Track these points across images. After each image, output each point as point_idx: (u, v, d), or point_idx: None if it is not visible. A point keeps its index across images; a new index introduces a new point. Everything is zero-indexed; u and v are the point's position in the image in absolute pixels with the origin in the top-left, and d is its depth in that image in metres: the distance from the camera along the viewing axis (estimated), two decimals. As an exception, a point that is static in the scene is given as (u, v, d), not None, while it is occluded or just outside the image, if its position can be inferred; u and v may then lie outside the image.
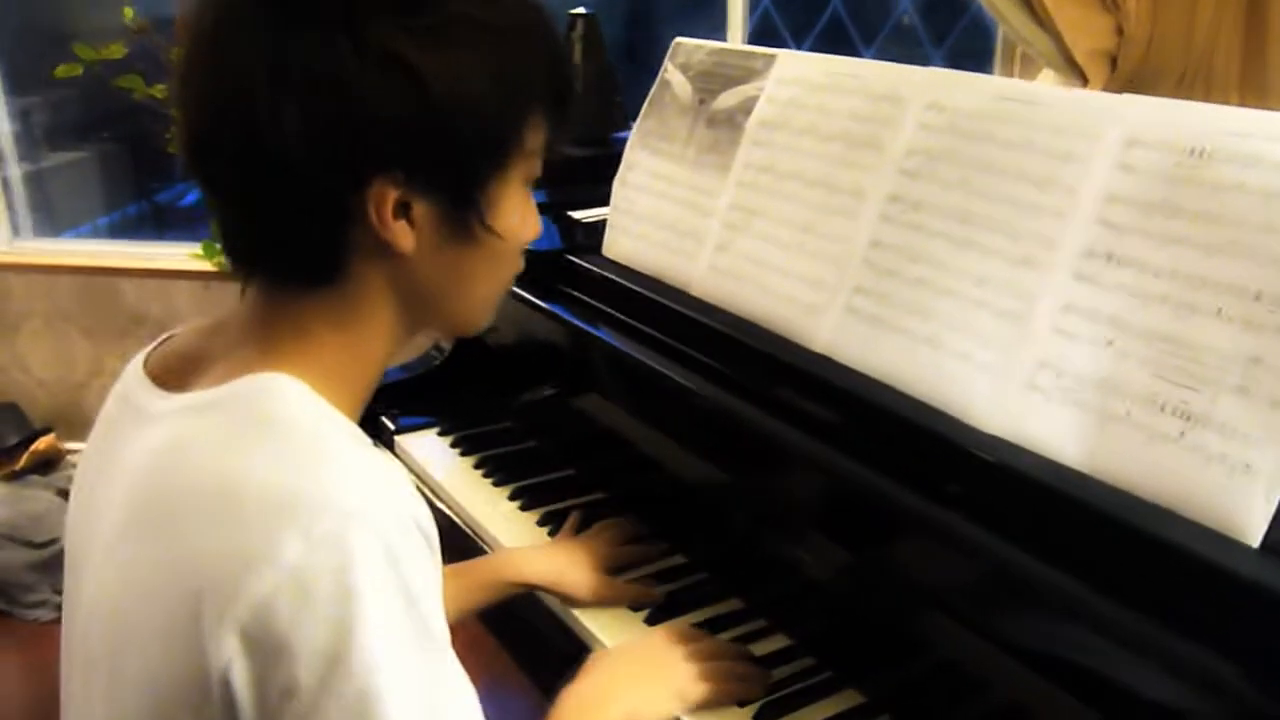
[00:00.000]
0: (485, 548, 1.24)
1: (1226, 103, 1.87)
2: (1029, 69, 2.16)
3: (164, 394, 0.72)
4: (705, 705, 0.95)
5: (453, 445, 1.41)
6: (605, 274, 1.31)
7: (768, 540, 1.05)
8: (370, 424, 1.46)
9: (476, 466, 1.37)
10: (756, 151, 1.20)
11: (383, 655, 0.60)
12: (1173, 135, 0.85)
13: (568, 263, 1.36)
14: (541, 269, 1.38)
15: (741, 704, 0.97)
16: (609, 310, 1.28)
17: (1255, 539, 0.75)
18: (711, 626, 1.06)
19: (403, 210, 0.67)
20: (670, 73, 1.36)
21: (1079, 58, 2.03)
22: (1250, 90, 2.08)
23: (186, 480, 0.65)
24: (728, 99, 1.26)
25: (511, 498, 1.30)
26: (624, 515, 1.24)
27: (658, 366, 1.16)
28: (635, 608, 1.10)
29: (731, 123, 1.25)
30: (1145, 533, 0.79)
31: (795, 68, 1.19)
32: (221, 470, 0.64)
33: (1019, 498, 0.86)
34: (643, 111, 1.38)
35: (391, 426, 1.44)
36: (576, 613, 1.11)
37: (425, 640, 0.63)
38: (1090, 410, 0.85)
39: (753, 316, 1.15)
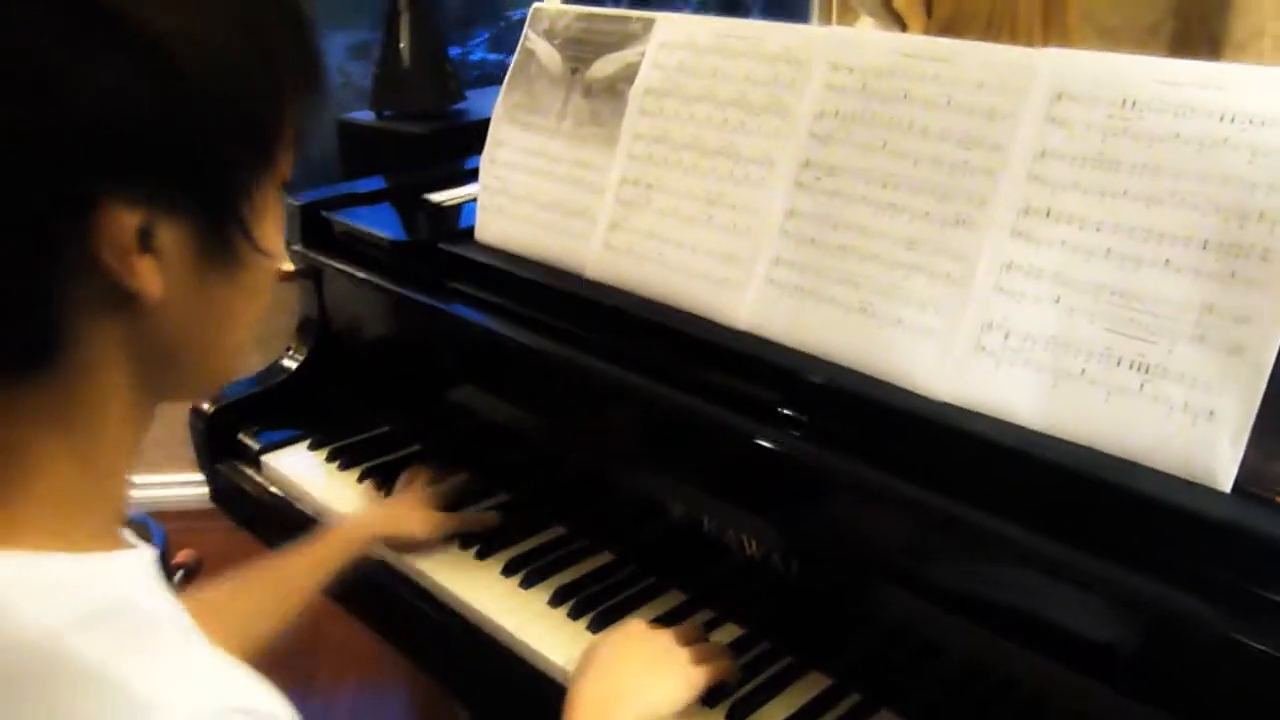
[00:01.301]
0: (391, 565, 1.15)
1: (1030, 44, 1.95)
2: (846, 17, 2.18)
3: None
4: (707, 687, 0.91)
5: (329, 459, 1.29)
6: (487, 261, 1.22)
7: (713, 530, 1.01)
8: (230, 445, 1.33)
9: (361, 479, 1.26)
10: (645, 121, 1.14)
11: None
12: (1101, 87, 0.85)
13: (440, 252, 1.26)
14: (408, 259, 1.28)
15: (713, 700, 0.93)
16: (496, 300, 1.19)
17: (1226, 484, 0.76)
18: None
19: (143, 241, 0.48)
20: (533, 41, 1.27)
21: (897, 4, 2.07)
22: (1053, 32, 2.17)
23: None
24: (604, 67, 1.19)
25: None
26: (542, 517, 1.18)
27: (570, 357, 1.09)
28: (470, 538, 1.15)
29: (612, 91, 1.18)
30: (1117, 486, 0.79)
31: (678, 31, 1.13)
32: None
33: (979, 464, 0.85)
34: (506, 83, 1.29)
35: (255, 446, 1.31)
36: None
37: None
38: (1043, 369, 0.85)
39: (660, 296, 1.09)
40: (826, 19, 2.27)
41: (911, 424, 0.89)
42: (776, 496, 0.96)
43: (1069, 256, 0.85)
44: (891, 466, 0.88)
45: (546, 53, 1.26)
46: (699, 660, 0.91)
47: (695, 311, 1.06)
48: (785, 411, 0.95)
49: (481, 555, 1.13)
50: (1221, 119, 0.79)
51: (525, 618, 1.04)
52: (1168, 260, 0.80)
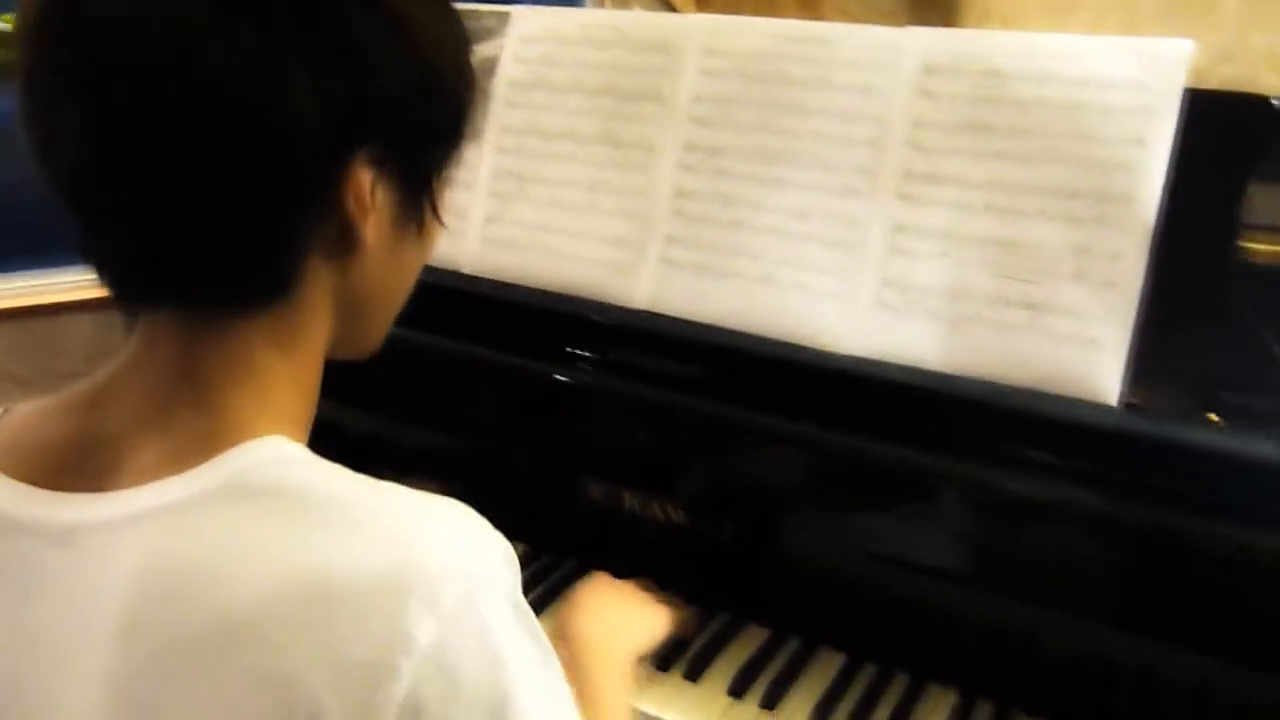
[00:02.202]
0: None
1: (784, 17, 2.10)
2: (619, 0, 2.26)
3: (80, 497, 0.56)
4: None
5: None
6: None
7: (643, 512, 1.04)
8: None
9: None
10: (513, 114, 1.15)
11: (538, 713, 0.53)
12: (966, 61, 0.95)
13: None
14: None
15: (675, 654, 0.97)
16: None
17: (1114, 399, 0.88)
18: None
19: (371, 195, 0.57)
20: (373, 39, 1.25)
21: (669, -7, 2.17)
22: (805, 6, 2.34)
23: (237, 596, 0.51)
24: (458, 62, 1.19)
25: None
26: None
27: (460, 352, 1.09)
28: None
29: (470, 87, 1.18)
30: (1021, 411, 0.89)
31: (538, 23, 1.15)
32: (285, 574, 0.51)
33: (895, 407, 0.94)
34: (348, 84, 1.26)
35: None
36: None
37: (558, 678, 0.57)
38: (941, 317, 0.94)
39: (548, 284, 1.11)
40: (600, 3, 2.34)
41: (824, 377, 0.96)
42: (704, 464, 1.01)
43: (954, 214, 0.94)
44: (812, 419, 0.95)
45: (392, 50, 1.24)
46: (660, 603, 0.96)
47: (588, 296, 1.09)
48: (696, 380, 1.00)
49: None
50: (1077, 84, 0.91)
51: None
52: (1043, 210, 0.91)
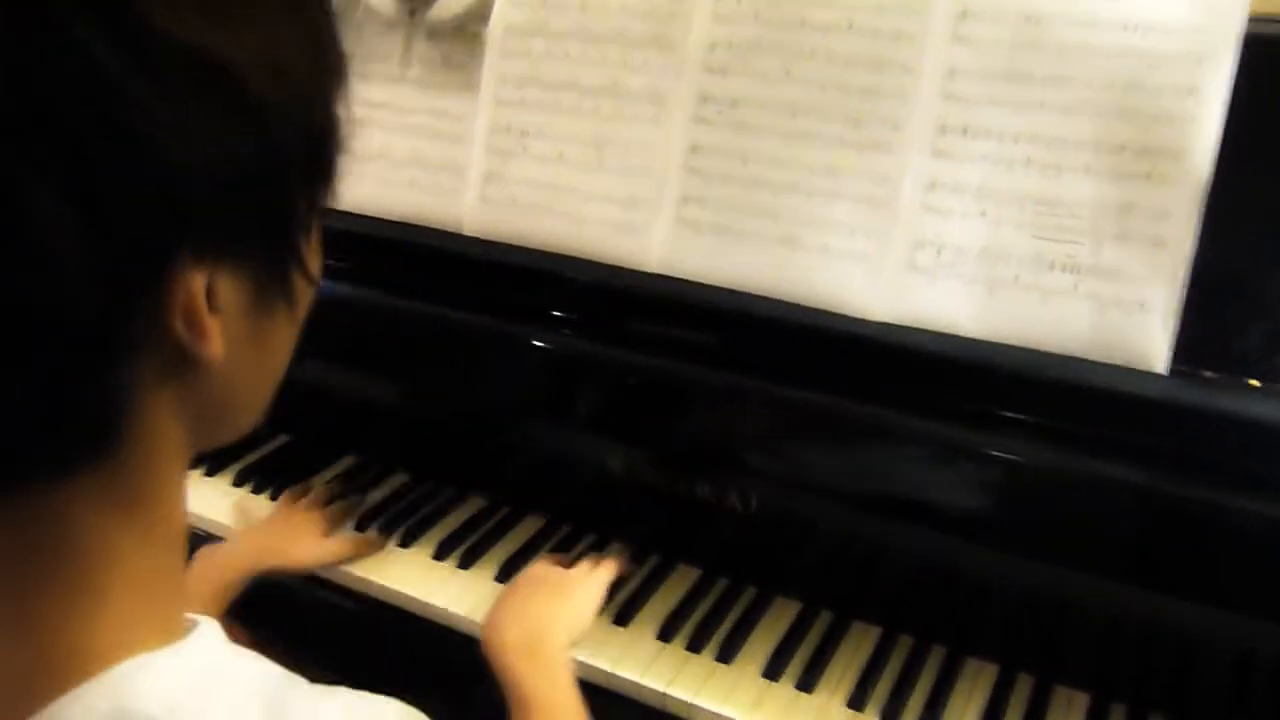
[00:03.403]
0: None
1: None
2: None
3: None
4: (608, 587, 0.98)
5: (235, 484, 1.17)
6: (348, 228, 1.12)
7: (671, 486, 1.00)
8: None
9: (237, 483, 1.15)
10: (511, 63, 1.07)
11: None
12: (1003, 4, 0.88)
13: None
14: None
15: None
16: (361, 269, 1.10)
17: (1163, 366, 0.84)
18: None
19: (208, 300, 0.42)
20: (355, -18, 1.16)
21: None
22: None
23: None
24: (449, 6, 1.11)
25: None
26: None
27: (463, 321, 1.04)
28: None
29: (462, 33, 1.10)
30: (1068, 381, 0.85)
31: (533, -36, 1.07)
32: None
33: (931, 378, 0.89)
34: (329, 31, 1.17)
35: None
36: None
37: None
38: (978, 280, 0.89)
39: (553, 246, 1.05)
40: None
41: (854, 345, 0.91)
42: (725, 436, 0.96)
43: (991, 170, 0.89)
44: (840, 389, 0.91)
45: (375, -6, 1.15)
46: (588, 572, 0.97)
47: (597, 258, 1.03)
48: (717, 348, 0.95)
49: (405, 543, 1.07)
50: (1124, 28, 0.84)
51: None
52: (1086, 165, 0.86)
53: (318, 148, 0.46)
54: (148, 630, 0.44)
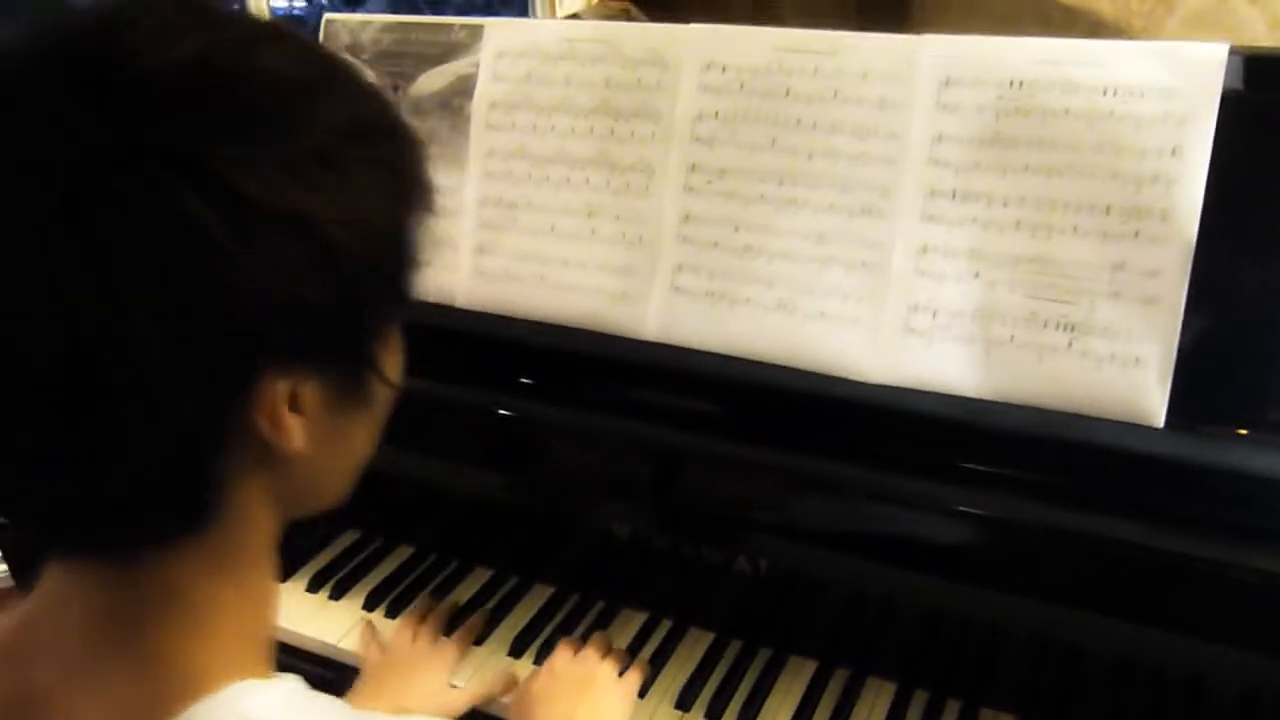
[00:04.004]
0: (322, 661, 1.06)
1: (736, 15, 2.02)
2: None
3: None
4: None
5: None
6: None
7: (669, 551, 1.01)
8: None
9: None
10: (496, 136, 1.08)
11: None
12: (986, 70, 0.90)
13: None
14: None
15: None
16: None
17: (1159, 420, 0.86)
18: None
19: (291, 403, 0.49)
20: (334, 58, 1.16)
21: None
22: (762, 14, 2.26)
23: None
24: (431, 81, 1.12)
25: (310, 589, 1.12)
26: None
27: (468, 398, 1.04)
28: None
29: (447, 108, 1.11)
30: (1063, 438, 0.87)
31: (517, 37, 1.08)
32: None
33: (933, 438, 0.91)
34: (311, 107, 1.17)
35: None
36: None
37: None
38: (974, 341, 0.91)
39: (548, 318, 1.06)
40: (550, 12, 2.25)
41: (851, 409, 0.93)
42: (729, 502, 0.97)
43: (982, 233, 0.90)
44: (840, 452, 0.92)
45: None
46: (619, 665, 0.96)
47: (594, 328, 1.03)
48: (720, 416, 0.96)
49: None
50: (1104, 93, 0.86)
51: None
52: (1075, 226, 0.88)
53: (392, 277, 0.52)
54: (246, 669, 0.52)
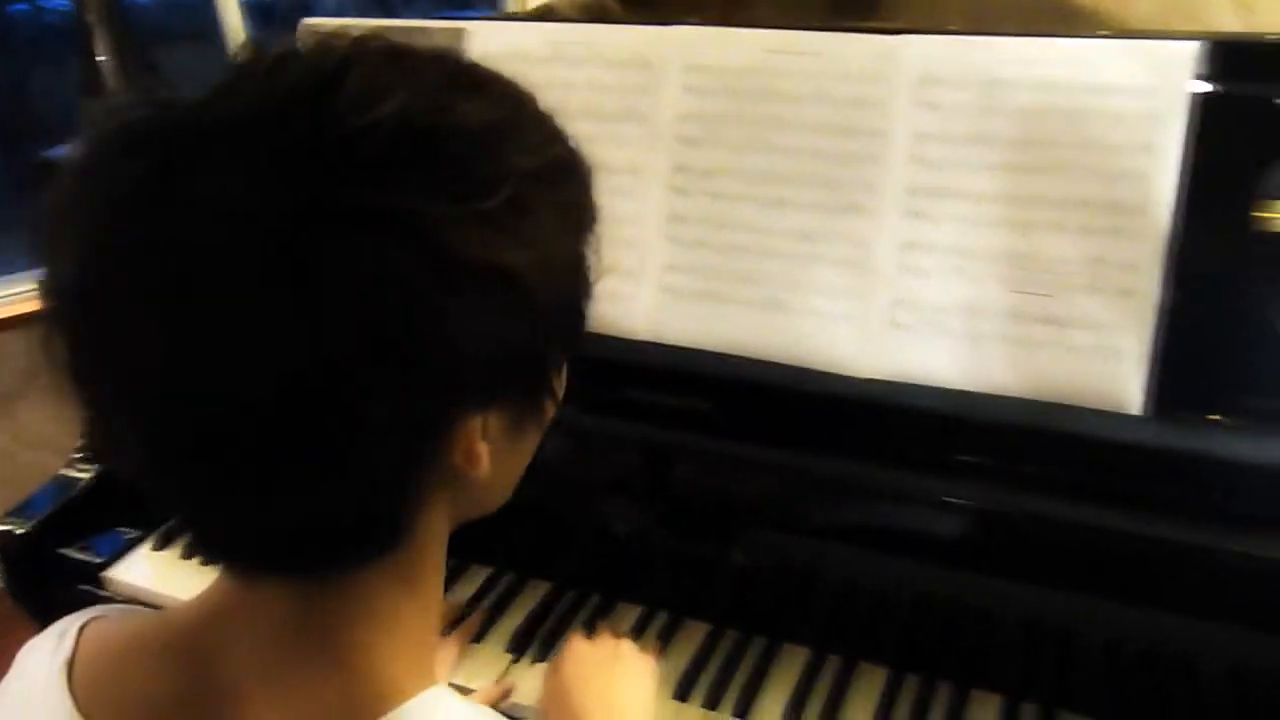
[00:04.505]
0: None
1: (709, 13, 2.02)
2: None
3: None
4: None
5: (185, 556, 1.17)
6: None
7: (685, 550, 1.03)
8: (52, 567, 1.17)
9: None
10: (482, 140, 1.09)
11: None
12: (965, 70, 0.92)
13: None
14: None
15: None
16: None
17: (1138, 408, 0.88)
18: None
19: (481, 431, 0.53)
20: (316, 62, 1.17)
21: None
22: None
23: None
24: (415, 85, 1.12)
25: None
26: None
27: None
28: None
29: (432, 111, 1.11)
30: (1046, 428, 0.89)
31: (499, 39, 1.09)
32: None
33: (921, 430, 0.93)
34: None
35: (95, 560, 1.16)
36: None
37: None
38: (959, 335, 0.93)
39: (539, 317, 1.07)
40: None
41: (842, 402, 0.95)
42: (725, 495, 1.00)
43: (964, 229, 0.92)
44: (830, 447, 0.94)
45: (339, 74, 1.16)
46: (642, 648, 0.95)
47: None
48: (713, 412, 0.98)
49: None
50: (1081, 91, 0.89)
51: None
52: (1054, 222, 0.90)
53: (574, 310, 0.56)
54: (426, 677, 0.55)
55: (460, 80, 0.52)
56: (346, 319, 0.44)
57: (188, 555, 1.17)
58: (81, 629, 0.57)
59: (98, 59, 1.48)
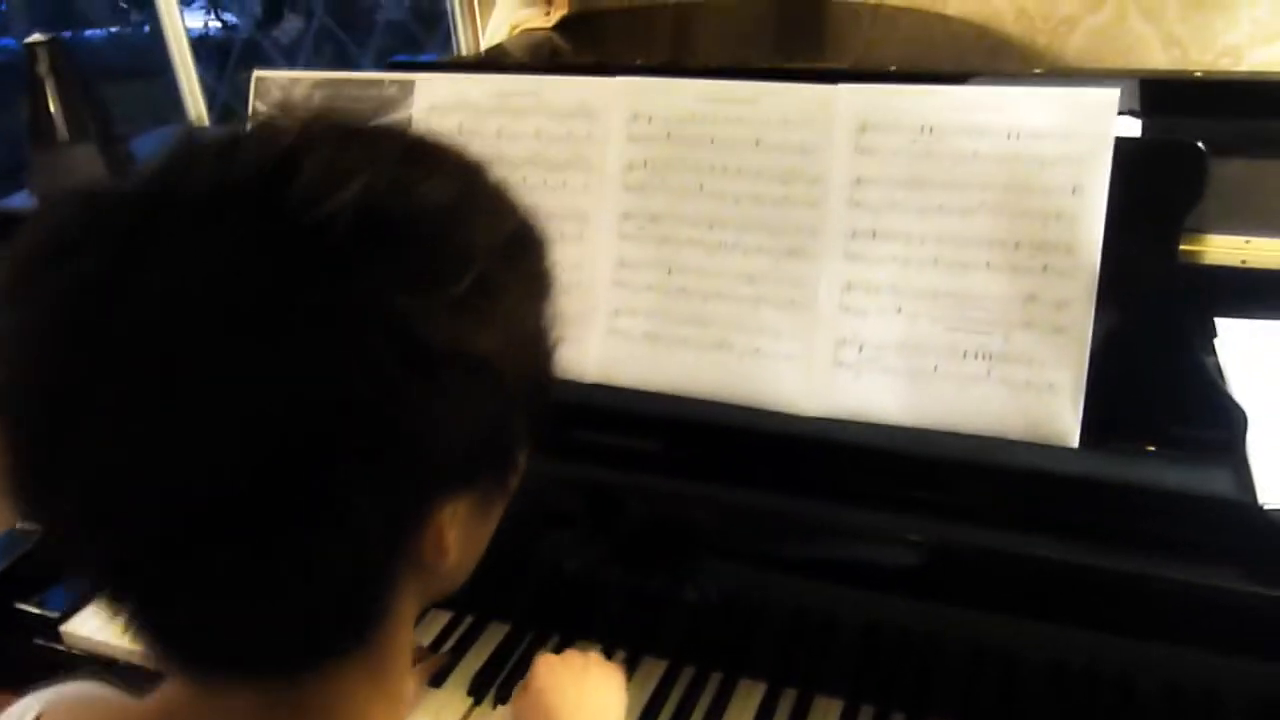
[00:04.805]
0: None
1: (661, 24, 2.06)
2: (486, 11, 2.18)
3: None
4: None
5: None
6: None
7: (619, 585, 1.04)
8: (12, 626, 1.17)
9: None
10: (432, 189, 1.11)
11: None
12: (900, 116, 0.95)
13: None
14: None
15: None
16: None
17: (1074, 441, 0.91)
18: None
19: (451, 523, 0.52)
20: (266, 115, 1.18)
21: (540, -12, 2.10)
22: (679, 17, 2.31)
23: None
24: (365, 135, 1.14)
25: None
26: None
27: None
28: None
29: (382, 161, 1.13)
30: (986, 463, 0.92)
31: (447, 91, 1.11)
32: None
33: (865, 466, 0.95)
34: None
35: (52, 615, 1.16)
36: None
37: None
38: (899, 373, 0.96)
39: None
40: (468, 14, 2.26)
41: (797, 442, 0.97)
42: (679, 536, 1.01)
43: (902, 270, 0.95)
44: (777, 484, 0.96)
45: (289, 126, 1.17)
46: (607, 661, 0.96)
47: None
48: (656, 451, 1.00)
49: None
50: (1009, 136, 0.92)
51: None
52: (988, 262, 0.93)
53: (541, 385, 0.55)
54: None
55: (414, 155, 0.51)
56: (321, 410, 0.43)
57: (145, 607, 1.16)
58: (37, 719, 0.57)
59: (49, 106, 1.48)
